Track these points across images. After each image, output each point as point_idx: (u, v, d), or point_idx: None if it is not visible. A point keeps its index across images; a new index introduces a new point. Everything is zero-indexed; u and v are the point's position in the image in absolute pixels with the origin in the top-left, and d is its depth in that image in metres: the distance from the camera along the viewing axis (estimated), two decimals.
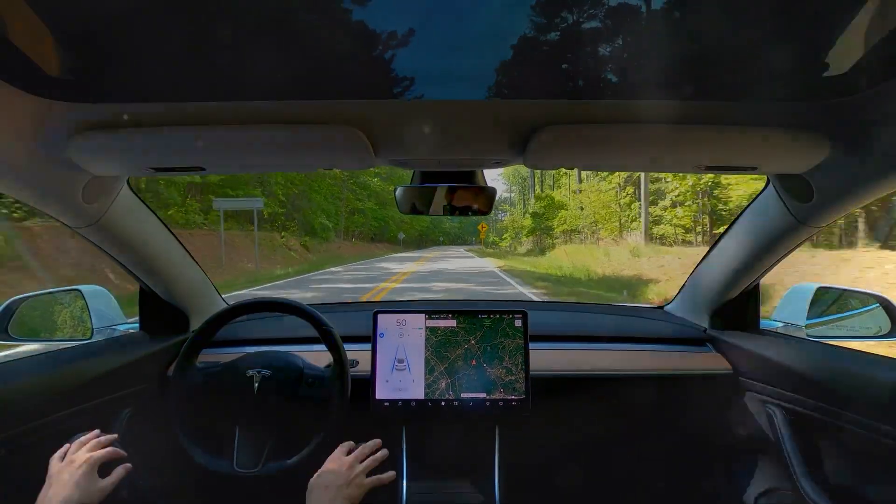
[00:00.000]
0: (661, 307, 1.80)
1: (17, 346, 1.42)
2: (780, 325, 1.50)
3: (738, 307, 1.48)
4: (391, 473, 1.08)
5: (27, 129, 0.78)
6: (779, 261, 1.29)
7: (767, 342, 1.37)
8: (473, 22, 0.65)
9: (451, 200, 1.15)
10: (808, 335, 1.40)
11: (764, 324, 1.50)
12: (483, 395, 1.32)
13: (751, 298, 1.46)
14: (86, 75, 0.72)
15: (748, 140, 0.86)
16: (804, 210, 1.07)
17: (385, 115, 0.82)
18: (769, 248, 1.24)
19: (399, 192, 1.16)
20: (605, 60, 0.73)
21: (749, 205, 1.27)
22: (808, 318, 1.43)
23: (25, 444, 1.06)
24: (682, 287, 1.69)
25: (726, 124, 0.83)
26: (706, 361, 1.46)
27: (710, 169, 0.99)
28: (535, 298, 10.32)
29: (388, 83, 0.74)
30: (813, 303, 1.45)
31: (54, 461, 0.95)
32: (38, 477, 0.93)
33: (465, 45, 0.69)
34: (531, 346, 1.36)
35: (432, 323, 1.37)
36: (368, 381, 1.34)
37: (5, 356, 1.16)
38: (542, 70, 0.74)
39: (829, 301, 1.51)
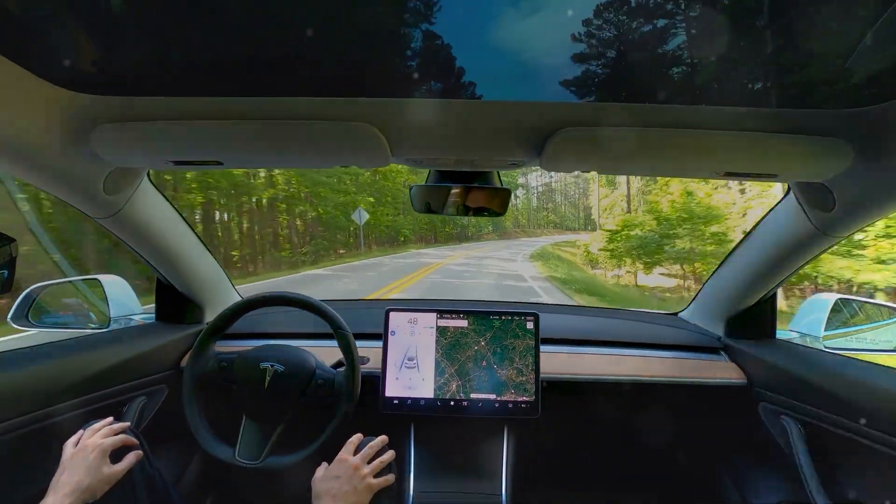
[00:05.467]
0: (675, 314, 1.78)
1: (37, 332, 1.44)
2: (797, 335, 1.48)
3: (754, 316, 1.46)
4: (391, 476, 1.07)
5: (53, 119, 0.80)
6: (797, 270, 1.27)
7: (783, 352, 1.34)
8: (491, 23, 0.65)
9: (466, 201, 1.15)
10: (825, 347, 1.37)
11: (780, 334, 1.47)
12: (492, 396, 1.31)
13: (767, 307, 1.44)
14: (110, 68, 0.73)
15: (769, 147, 0.84)
16: (825, 219, 1.05)
17: (402, 113, 0.82)
18: (788, 258, 1.22)
19: (414, 190, 1.16)
20: (624, 64, 0.73)
21: (768, 213, 1.25)
22: (825, 329, 1.40)
23: (42, 428, 1.08)
24: (698, 294, 1.67)
25: (747, 130, 0.82)
26: (720, 370, 1.44)
27: (729, 175, 0.98)
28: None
29: (406, 82, 0.75)
30: (831, 314, 1.42)
31: (68, 446, 0.97)
32: (53, 460, 0.95)
33: (482, 46, 0.69)
34: (542, 348, 1.35)
35: (443, 322, 1.37)
36: (378, 378, 1.35)
37: (24, 340, 1.19)
38: (561, 72, 0.73)
39: (848, 313, 1.48)
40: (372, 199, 25.08)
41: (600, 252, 16.63)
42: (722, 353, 1.51)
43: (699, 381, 1.41)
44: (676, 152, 0.90)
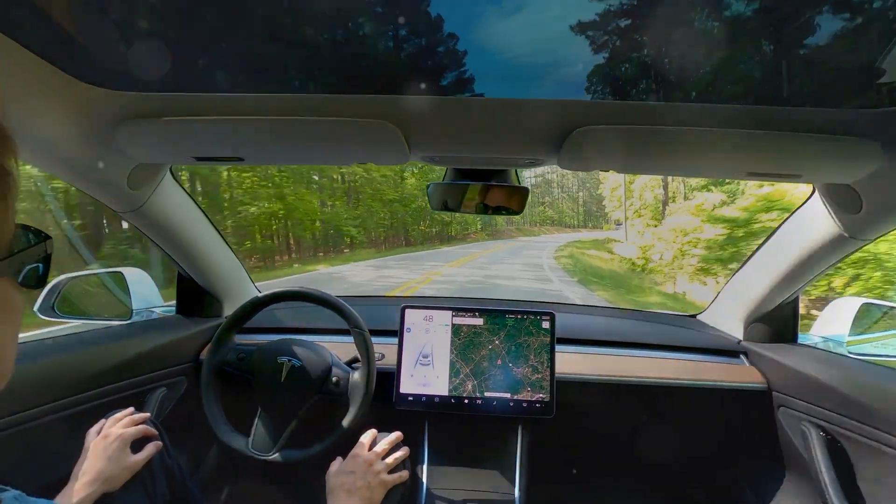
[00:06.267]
0: (693, 316, 1.76)
1: (62, 322, 1.48)
2: (820, 340, 1.45)
3: (775, 319, 1.43)
4: (405, 473, 1.08)
5: (79, 115, 0.82)
6: (821, 274, 1.24)
7: (805, 357, 1.32)
8: (510, 20, 0.65)
9: (484, 199, 1.15)
10: (849, 352, 1.34)
11: (802, 338, 1.44)
12: (507, 394, 1.31)
13: (789, 311, 1.41)
14: (136, 66, 0.75)
15: (794, 147, 0.82)
16: (851, 222, 1.03)
17: (420, 111, 0.82)
18: (812, 261, 1.20)
19: (431, 188, 1.17)
20: (645, 61, 0.72)
21: (792, 214, 1.22)
22: (850, 335, 1.37)
23: (65, 416, 1.11)
24: (717, 296, 1.64)
25: (771, 129, 0.80)
26: (739, 373, 1.41)
27: (751, 176, 0.96)
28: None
29: (424, 79, 0.75)
30: (856, 319, 1.39)
31: (90, 435, 1.00)
32: (76, 449, 0.97)
33: (501, 44, 0.68)
34: (557, 348, 1.35)
35: (458, 320, 1.37)
36: (393, 374, 1.35)
37: (50, 332, 1.22)
38: (579, 70, 0.72)
39: (874, 317, 1.44)
40: (247, 175, 14.50)
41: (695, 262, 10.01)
42: (741, 356, 1.49)
43: (717, 385, 1.39)
44: (698, 152, 0.89)
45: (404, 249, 23.00)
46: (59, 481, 0.90)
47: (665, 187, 21.61)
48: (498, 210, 1.17)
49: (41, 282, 0.45)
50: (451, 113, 0.83)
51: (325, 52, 0.71)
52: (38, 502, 0.42)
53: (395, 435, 1.12)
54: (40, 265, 0.44)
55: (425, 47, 0.69)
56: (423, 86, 0.76)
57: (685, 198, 18.62)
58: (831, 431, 1.17)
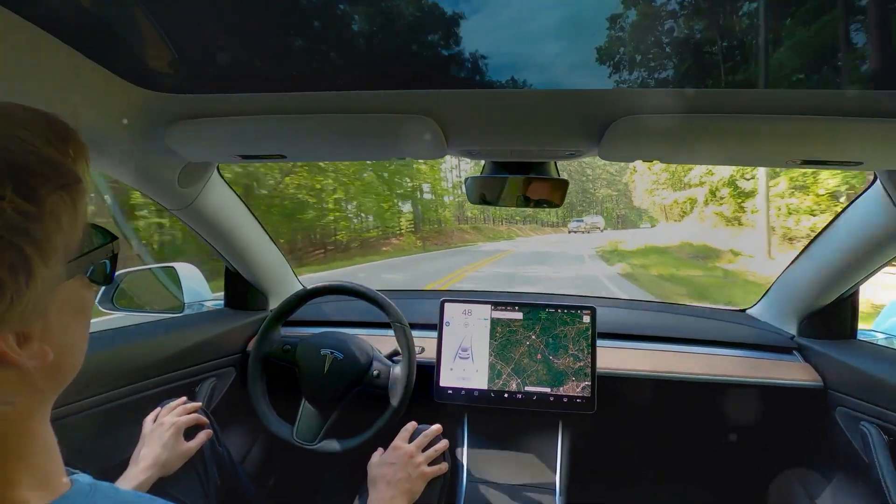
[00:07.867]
0: (743, 310, 1.69)
1: (120, 315, 1.56)
2: (881, 336, 1.37)
3: (831, 315, 1.36)
4: (445, 465, 1.09)
5: (133, 117, 0.86)
6: (883, 267, 1.17)
7: (865, 354, 1.25)
8: (549, 11, 0.64)
9: (523, 192, 1.14)
10: None
11: (861, 335, 1.36)
12: (548, 389, 1.30)
13: (847, 306, 1.34)
14: (184, 69, 0.78)
15: (854, 132, 0.78)
16: None
17: (458, 104, 0.82)
18: (872, 253, 1.13)
19: (469, 182, 1.16)
20: (688, 47, 0.69)
21: (851, 203, 1.16)
22: None
23: (124, 404, 1.17)
24: (768, 290, 1.57)
25: (828, 114, 0.76)
26: (792, 370, 1.35)
27: (806, 164, 0.92)
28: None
29: (462, 72, 0.75)
30: None
31: (147, 422, 1.05)
32: (134, 434, 1.03)
33: (539, 34, 0.67)
34: (599, 342, 1.32)
35: (497, 314, 1.37)
36: (433, 368, 1.36)
37: (108, 321, 1.29)
38: (619, 58, 0.71)
39: None
40: None
41: None
42: (795, 352, 1.42)
43: (769, 382, 1.34)
44: (748, 139, 0.85)
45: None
46: (119, 466, 0.95)
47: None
48: (539, 203, 1.15)
49: (108, 279, 0.47)
50: (489, 105, 0.83)
51: (363, 49, 0.72)
52: (106, 486, 0.44)
53: (435, 427, 1.13)
54: (107, 263, 0.47)
55: (461, 40, 0.69)
56: (459, 80, 0.76)
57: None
58: (894, 433, 1.10)
